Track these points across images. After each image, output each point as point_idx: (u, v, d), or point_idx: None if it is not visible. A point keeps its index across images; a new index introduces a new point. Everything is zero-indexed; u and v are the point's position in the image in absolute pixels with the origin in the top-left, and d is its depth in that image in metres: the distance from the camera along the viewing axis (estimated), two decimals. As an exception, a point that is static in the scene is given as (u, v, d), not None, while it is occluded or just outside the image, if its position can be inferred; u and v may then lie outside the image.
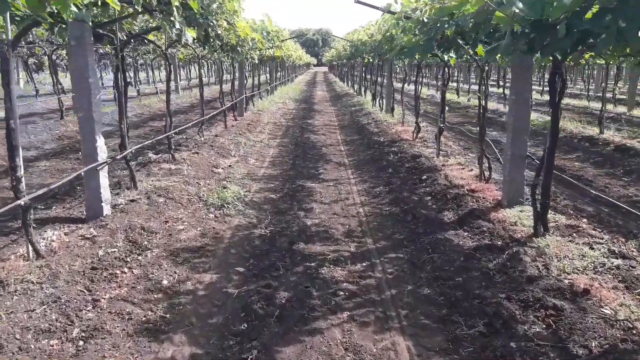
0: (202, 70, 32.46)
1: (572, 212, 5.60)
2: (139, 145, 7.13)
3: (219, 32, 6.35)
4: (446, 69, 8.41)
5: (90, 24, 4.73)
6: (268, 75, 23.58)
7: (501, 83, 22.62)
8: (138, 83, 27.29)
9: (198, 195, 6.04)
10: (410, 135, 10.46)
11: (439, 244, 4.59)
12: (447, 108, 8.65)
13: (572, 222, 4.90)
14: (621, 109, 15.61)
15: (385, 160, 8.46)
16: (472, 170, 7.25)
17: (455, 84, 25.90)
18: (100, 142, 4.92)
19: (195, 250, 4.51)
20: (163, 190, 5.90)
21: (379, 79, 17.57)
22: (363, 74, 21.55)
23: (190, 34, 4.88)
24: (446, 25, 4.84)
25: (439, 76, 26.44)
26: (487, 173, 6.48)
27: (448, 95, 21.60)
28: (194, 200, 5.87)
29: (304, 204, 6.11)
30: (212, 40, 6.36)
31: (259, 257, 4.44)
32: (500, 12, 3.15)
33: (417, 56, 6.77)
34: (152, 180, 6.33)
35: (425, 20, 5.20)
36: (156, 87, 24.99)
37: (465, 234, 4.80)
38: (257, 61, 14.48)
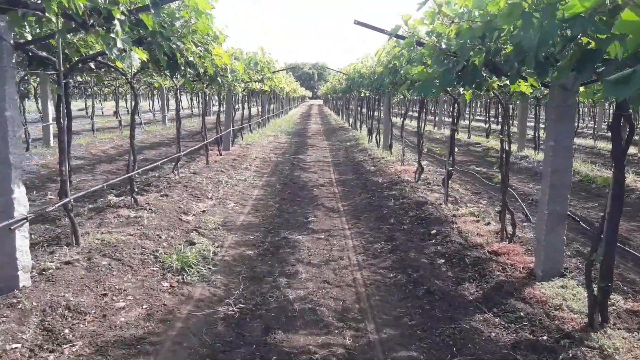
0: (191, 101, 31.48)
1: (627, 288, 4.44)
2: (96, 187, 5.97)
3: (190, 58, 5.30)
4: (456, 104, 7.39)
5: (12, 42, 3.65)
6: (261, 107, 22.67)
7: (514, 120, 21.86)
8: (119, 114, 26.41)
9: (155, 253, 4.85)
10: (411, 176, 9.37)
11: (465, 337, 3.40)
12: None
13: (635, 307, 3.75)
14: (632, 149, 14.69)
15: (385, 206, 7.34)
16: (489, 223, 6.13)
17: (441, 118, 25.19)
18: (19, 192, 3.76)
19: (132, 343, 3.30)
20: (111, 247, 4.71)
21: (376, 113, 16.66)
22: (359, 108, 20.69)
23: (137, 56, 3.80)
24: (471, 53, 3.79)
25: (435, 111, 25.73)
26: (509, 228, 5.37)
27: (438, 130, 20.80)
28: (148, 262, 4.68)
29: (288, 265, 4.94)
30: (182, 67, 5.30)
31: (219, 356, 3.24)
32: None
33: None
34: (102, 233, 5.15)
35: (444, 46, 4.15)
36: (140, 118, 24.04)
37: (497, 320, 3.63)
38: (242, 93, 13.53)
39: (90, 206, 6.47)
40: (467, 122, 22.41)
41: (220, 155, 11.77)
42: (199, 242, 5.38)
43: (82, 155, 11.91)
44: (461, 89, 5.85)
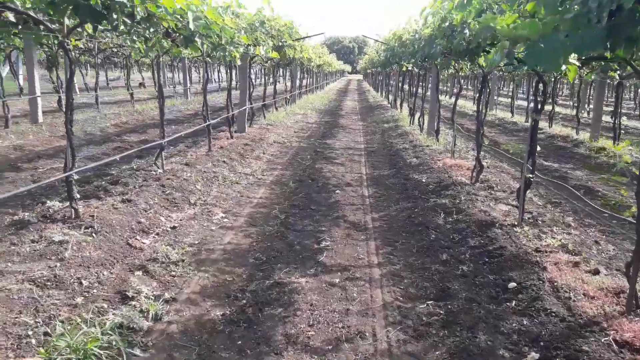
0: (220, 74, 29.52)
1: None
2: (24, 189, 4.08)
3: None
4: (541, 83, 5.06)
5: None
6: (290, 81, 20.50)
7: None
8: (145, 85, 24.80)
9: (43, 327, 2.90)
10: (466, 176, 7.15)
11: None
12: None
13: None
14: None
15: (432, 226, 5.18)
16: (597, 271, 3.91)
17: (500, 98, 22.30)
18: None
19: None
20: (-29, 313, 2.80)
21: (420, 91, 14.28)
22: (400, 83, 18.26)
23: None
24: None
25: (494, 89, 22.86)
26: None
27: (498, 113, 17.86)
28: (22, 348, 2.73)
29: (269, 352, 2.92)
30: (103, 12, 3.29)
31: None
32: None
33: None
34: (-17, 277, 3.26)
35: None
36: (174, 90, 22.35)
37: None
38: (265, 65, 11.51)
39: (16, 217, 4.60)
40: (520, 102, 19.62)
41: (231, 138, 9.80)
42: (140, 292, 3.41)
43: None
44: (572, 64, 3.52)
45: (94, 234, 4.19)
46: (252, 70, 13.53)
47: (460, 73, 8.47)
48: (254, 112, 12.54)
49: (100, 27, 3.67)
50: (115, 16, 3.45)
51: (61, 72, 25.08)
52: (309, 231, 5.06)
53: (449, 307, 3.48)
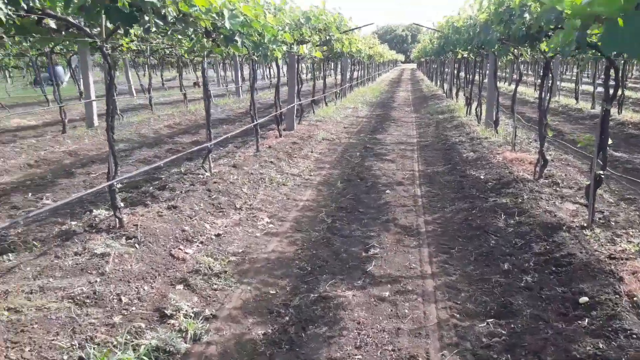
0: (269, 70, 29.40)
1: None
2: (46, 208, 4.07)
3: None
4: (612, 69, 4.52)
5: None
6: (341, 75, 20.16)
7: None
8: (199, 85, 25.15)
9: (74, 354, 2.80)
10: (529, 171, 6.65)
11: None
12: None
13: None
14: None
15: (492, 230, 4.78)
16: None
17: (562, 84, 20.95)
18: None
19: None
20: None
21: (476, 78, 13.59)
22: (455, 71, 17.52)
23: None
24: None
25: (556, 74, 21.57)
26: None
27: (561, 99, 16.63)
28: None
29: (312, 376, 2.70)
30: (135, 15, 3.15)
31: None
32: None
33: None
34: (23, 293, 3.23)
35: None
36: (227, 88, 22.62)
37: None
38: (311, 60, 11.29)
39: (64, 227, 4.62)
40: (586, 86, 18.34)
41: (280, 137, 9.66)
42: (180, 309, 3.27)
43: (127, 137, 10.37)
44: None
45: (137, 245, 4.12)
46: (301, 65, 13.35)
47: (519, 59, 7.87)
48: (303, 108, 12.35)
49: (133, 30, 3.53)
50: (147, 18, 3.31)
51: (121, 74, 25.89)
52: (357, 237, 4.79)
53: (512, 326, 3.12)
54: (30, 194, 6.13)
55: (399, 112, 16.11)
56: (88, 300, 3.23)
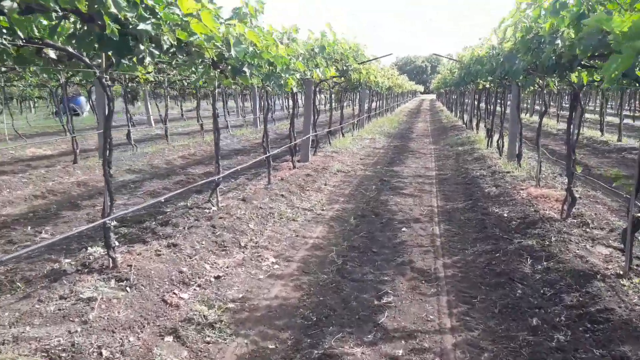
0: (288, 101, 29.49)
1: None
2: (60, 237, 3.78)
3: (144, 26, 2.87)
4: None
5: None
6: (359, 105, 19.97)
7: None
8: (226, 113, 25.24)
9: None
10: (555, 209, 6.21)
11: None
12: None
13: None
14: None
15: (517, 276, 4.33)
16: None
17: (586, 115, 20.39)
18: None
19: None
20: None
21: (498, 109, 13.21)
22: (475, 102, 17.15)
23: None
24: None
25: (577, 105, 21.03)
26: None
27: (585, 131, 15.92)
28: None
29: None
30: (131, 44, 2.90)
31: None
32: None
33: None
34: (-6, 346, 2.91)
35: None
36: (227, 121, 22.54)
37: None
38: (330, 90, 11.13)
39: (55, 266, 4.34)
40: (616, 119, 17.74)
41: (294, 168, 9.38)
42: (164, 366, 2.91)
43: (139, 167, 10.21)
44: None
45: (128, 288, 3.79)
46: (318, 96, 13.19)
47: (544, 90, 7.50)
48: (319, 139, 12.10)
49: (126, 61, 3.28)
50: (142, 47, 3.06)
51: (142, 104, 26.11)
52: (369, 281, 4.39)
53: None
54: (30, 227, 5.90)
55: (417, 143, 15.76)
56: (64, 355, 2.90)
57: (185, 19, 3.23)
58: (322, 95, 26.34)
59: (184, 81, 15.95)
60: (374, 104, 24.00)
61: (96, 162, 10.15)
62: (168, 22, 3.18)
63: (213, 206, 6.29)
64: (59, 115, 22.81)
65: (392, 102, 33.52)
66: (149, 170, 10.14)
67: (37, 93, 22.45)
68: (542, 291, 4.02)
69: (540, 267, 4.48)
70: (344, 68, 9.81)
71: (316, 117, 11.54)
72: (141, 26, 2.90)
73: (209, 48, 3.77)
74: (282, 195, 7.19)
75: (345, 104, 27.68)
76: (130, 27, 2.88)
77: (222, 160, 11.69)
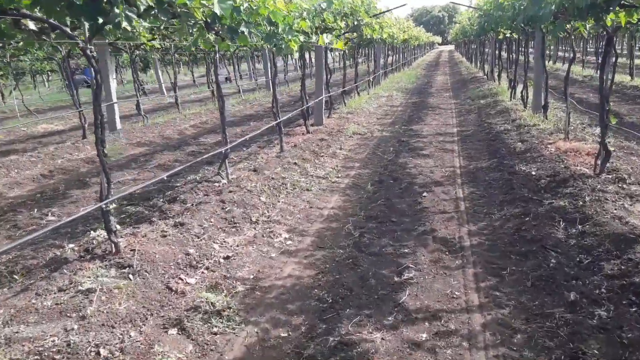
0: (285, 62, 28.83)
1: None
2: (32, 236, 3.55)
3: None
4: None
5: None
6: (374, 61, 19.22)
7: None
8: (238, 77, 24.77)
9: None
10: (587, 164, 5.77)
11: None
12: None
13: None
14: None
15: (550, 243, 3.98)
16: None
17: (616, 59, 19.25)
18: None
19: None
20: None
21: (521, 58, 12.49)
22: (496, 51, 16.29)
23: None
24: None
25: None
26: None
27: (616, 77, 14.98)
28: None
29: None
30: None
31: None
32: None
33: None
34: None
35: None
36: (257, 82, 22.06)
37: None
38: (297, 54, 10.58)
39: (58, 252, 4.13)
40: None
41: (307, 133, 9.02)
42: (167, 363, 2.69)
43: (150, 139, 9.97)
44: None
45: (130, 276, 3.57)
46: (330, 54, 12.65)
47: (572, 36, 6.90)
48: (333, 100, 11.64)
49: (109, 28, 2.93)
50: (117, 11, 2.70)
51: (153, 72, 25.75)
52: (388, 255, 4.09)
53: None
54: (36, 210, 5.72)
55: (436, 98, 15.15)
56: (58, 357, 2.69)
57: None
58: (336, 53, 25.54)
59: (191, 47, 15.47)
60: (390, 59, 23.18)
61: (106, 136, 9.91)
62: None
63: (223, 179, 6.01)
64: (70, 88, 22.66)
65: (409, 56, 32.44)
66: (160, 141, 9.89)
67: (49, 67, 22.20)
68: (578, 259, 3.67)
69: (574, 231, 4.11)
70: (356, 23, 9.23)
71: (329, 77, 11.05)
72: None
73: (196, 8, 3.38)
74: (295, 164, 6.86)
75: (361, 60, 26.82)
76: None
77: (234, 127, 11.43)
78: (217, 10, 3.40)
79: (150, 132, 10.70)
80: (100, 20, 2.75)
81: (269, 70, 20.32)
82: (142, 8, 2.86)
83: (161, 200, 5.49)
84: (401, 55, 27.57)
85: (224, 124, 6.02)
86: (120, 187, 6.67)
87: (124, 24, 2.80)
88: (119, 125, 10.56)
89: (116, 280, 3.49)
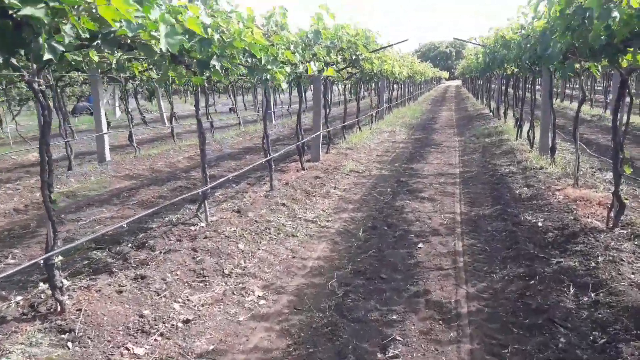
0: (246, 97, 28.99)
1: None
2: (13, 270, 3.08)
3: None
4: None
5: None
6: (377, 96, 18.96)
7: None
8: (242, 108, 24.57)
9: None
10: (598, 215, 5.28)
11: None
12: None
13: None
14: None
15: (559, 315, 3.44)
16: None
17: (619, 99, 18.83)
18: None
19: None
20: None
21: (528, 95, 12.12)
22: (503, 87, 15.96)
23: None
24: None
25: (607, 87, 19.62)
26: None
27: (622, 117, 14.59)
28: None
29: None
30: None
31: None
32: None
33: None
34: None
35: None
36: (258, 114, 21.81)
37: None
38: (344, 83, 10.30)
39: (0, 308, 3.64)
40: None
41: (302, 170, 8.58)
42: None
43: (139, 172, 9.56)
44: None
45: (69, 344, 3.07)
46: (331, 88, 12.33)
47: (582, 76, 6.49)
48: (333, 134, 11.24)
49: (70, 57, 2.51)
50: (41, 42, 2.30)
51: (164, 101, 25.72)
52: (373, 322, 3.56)
53: None
54: (-3, 250, 5.26)
55: (440, 135, 14.74)
56: None
57: (89, 0, 2.45)
58: (339, 87, 25.35)
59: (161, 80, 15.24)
60: (394, 93, 22.95)
61: (94, 168, 9.54)
62: (75, 6, 2.41)
63: (201, 221, 5.54)
64: (76, 115, 22.48)
65: (414, 91, 32.30)
66: (149, 175, 9.48)
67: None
68: (591, 338, 3.13)
69: (586, 299, 3.58)
70: (354, 57, 8.89)
71: (328, 111, 10.68)
72: (26, 10, 2.13)
73: (153, 40, 2.98)
74: (284, 204, 6.39)
75: (365, 94, 26.64)
76: (11, 12, 2.12)
77: (229, 161, 11.02)
78: (163, 47, 2.99)
79: (141, 164, 10.31)
80: (23, 52, 2.34)
81: (271, 102, 20.11)
82: (66, 40, 2.44)
83: (129, 245, 5.00)
84: (406, 90, 27.39)
85: (204, 162, 5.60)
86: (95, 226, 6.21)
87: (47, 56, 2.38)
88: (108, 157, 10.20)
89: (50, 349, 2.99)
